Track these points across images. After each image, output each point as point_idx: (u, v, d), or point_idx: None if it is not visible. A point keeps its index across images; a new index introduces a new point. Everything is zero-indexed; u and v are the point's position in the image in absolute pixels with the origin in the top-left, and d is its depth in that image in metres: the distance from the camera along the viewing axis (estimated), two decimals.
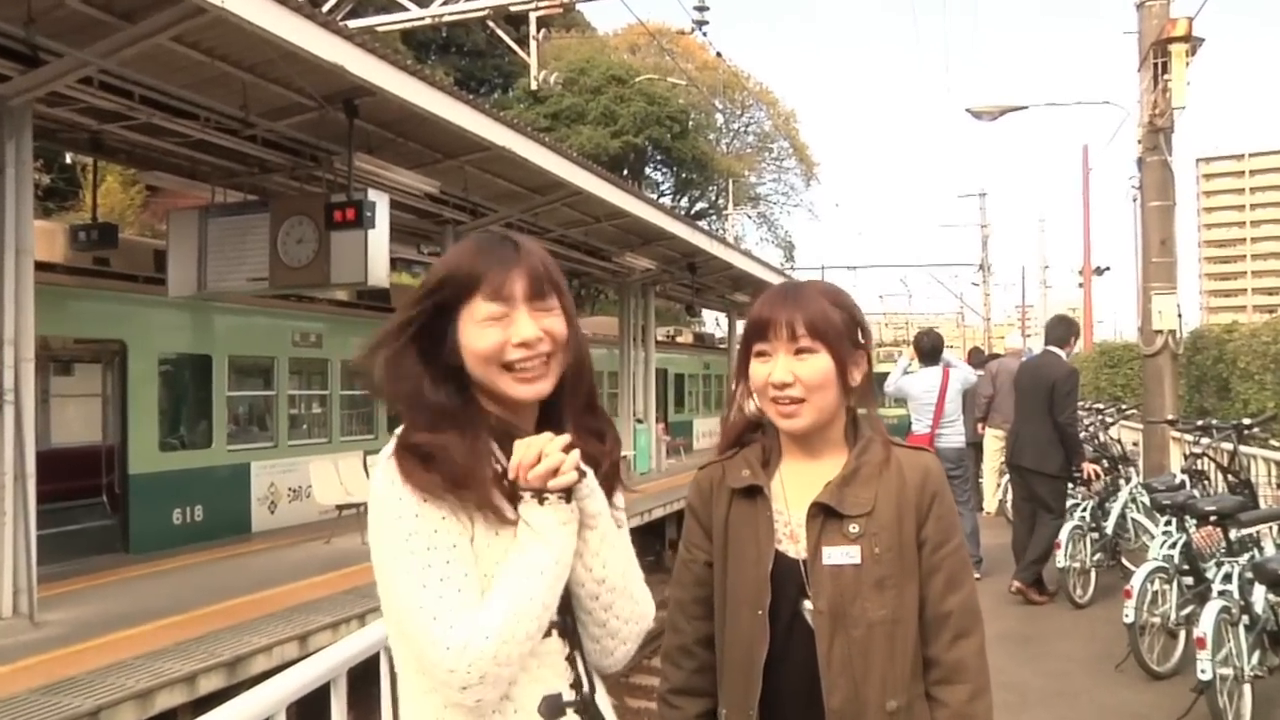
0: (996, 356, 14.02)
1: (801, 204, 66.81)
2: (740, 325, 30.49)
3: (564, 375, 1.67)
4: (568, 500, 1.57)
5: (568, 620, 1.63)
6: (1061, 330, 8.48)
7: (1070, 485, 8.45)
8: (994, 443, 12.36)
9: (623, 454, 1.81)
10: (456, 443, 1.56)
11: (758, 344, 1.95)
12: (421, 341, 1.63)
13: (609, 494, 1.69)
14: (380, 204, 10.66)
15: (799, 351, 1.91)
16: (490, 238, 1.69)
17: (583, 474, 1.58)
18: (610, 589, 1.63)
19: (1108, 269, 27.82)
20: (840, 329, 1.94)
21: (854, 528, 1.89)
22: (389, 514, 1.54)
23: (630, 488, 1.79)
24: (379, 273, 10.93)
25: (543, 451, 1.55)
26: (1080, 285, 28.20)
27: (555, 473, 1.55)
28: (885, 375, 9.13)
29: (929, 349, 9.19)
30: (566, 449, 1.57)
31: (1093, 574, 8.08)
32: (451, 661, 1.48)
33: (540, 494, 1.56)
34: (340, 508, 12.37)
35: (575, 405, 1.70)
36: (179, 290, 11.87)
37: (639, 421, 21.28)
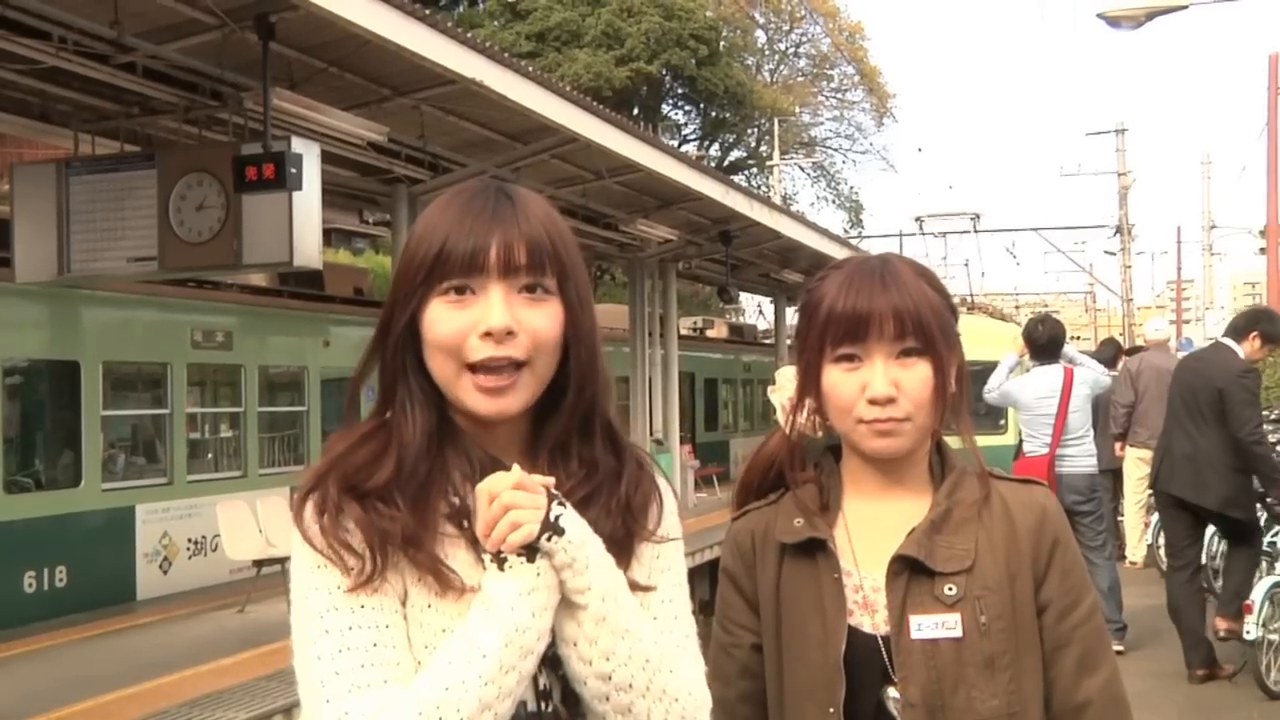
0: (1138, 350, 13.94)
1: (871, 150, 66.90)
2: (791, 313, 30.41)
3: (553, 385, 1.66)
4: (531, 559, 1.54)
5: (548, 709, 1.61)
6: (1243, 320, 8.42)
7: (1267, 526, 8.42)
8: (1138, 468, 12.28)
9: (661, 497, 1.77)
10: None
11: (846, 346, 1.94)
12: (416, 347, 1.65)
13: (615, 555, 1.64)
14: (309, 157, 10.62)
15: (902, 354, 1.92)
16: (478, 186, 1.69)
17: (556, 530, 1.54)
18: (623, 688, 1.58)
19: None
20: (946, 322, 1.97)
21: (950, 589, 1.90)
22: (292, 563, 1.61)
23: (656, 536, 1.74)
24: (308, 249, 10.89)
25: (505, 502, 1.53)
26: (1262, 251, 27.99)
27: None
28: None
29: (1046, 341, 9.15)
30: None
31: None
32: None
33: (499, 556, 1.54)
34: (259, 564, 12.35)
35: (566, 426, 1.68)
36: (32, 274, 11.79)
37: (658, 443, 21.25)
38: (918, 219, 38.23)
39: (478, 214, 1.62)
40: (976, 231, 35.32)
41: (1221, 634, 8.00)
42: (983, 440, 2.08)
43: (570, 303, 1.64)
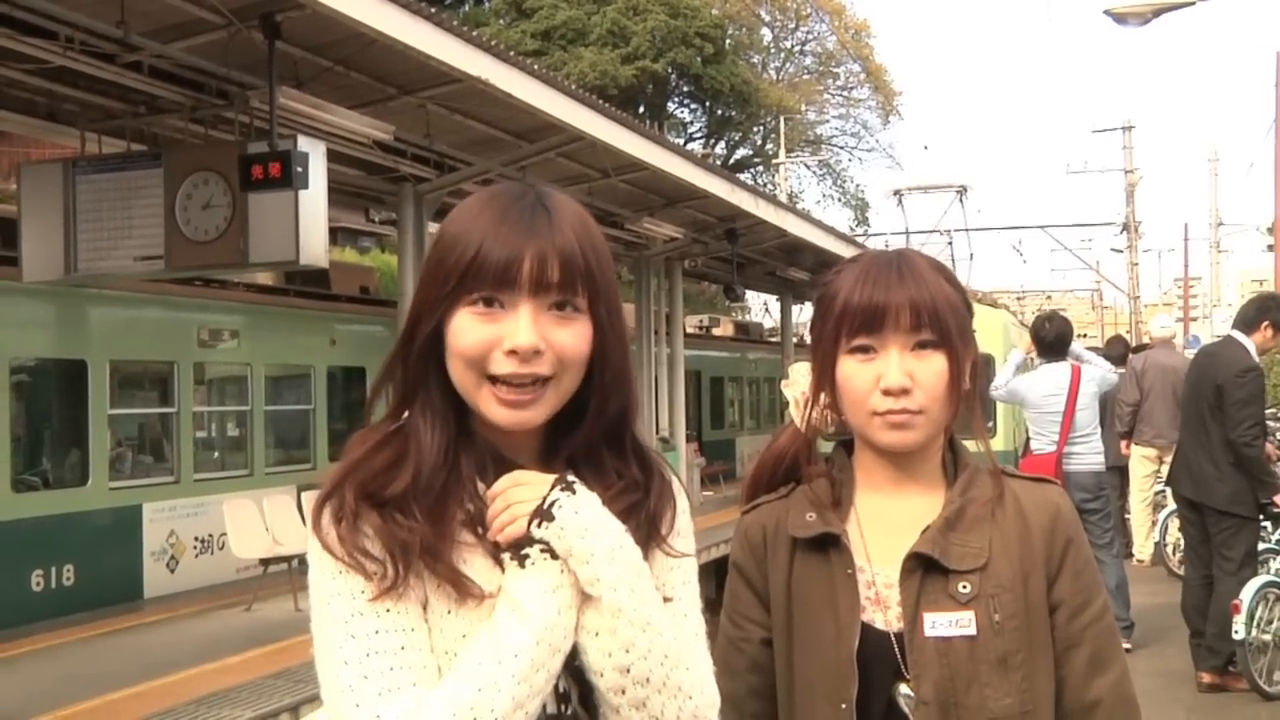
0: (1144, 348, 13.90)
1: (877, 148, 66.76)
2: (799, 311, 30.25)
3: (577, 397, 1.66)
4: (554, 555, 1.54)
5: (568, 711, 1.61)
6: (1253, 310, 8.20)
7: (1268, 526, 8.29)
8: (1144, 465, 12.26)
9: (675, 500, 1.76)
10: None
11: (861, 337, 1.94)
12: (439, 352, 1.64)
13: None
14: (315, 156, 10.62)
15: (918, 346, 1.92)
16: (510, 190, 1.65)
17: (547, 517, 1.54)
18: (640, 682, 1.57)
19: None
20: (962, 317, 1.97)
21: (964, 587, 1.90)
22: (312, 570, 1.59)
23: (671, 551, 1.73)
24: (314, 248, 10.89)
25: (505, 498, 1.56)
26: (1270, 248, 27.93)
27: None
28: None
29: (1053, 339, 9.13)
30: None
31: None
32: None
33: (520, 553, 1.55)
34: (266, 562, 12.36)
35: (583, 441, 1.67)
36: (39, 274, 11.80)
37: (664, 441, 21.25)
38: (896, 192, 33.78)
39: (514, 224, 1.58)
40: (967, 227, 33.80)
41: (1202, 685, 7.82)
42: (972, 445, 2.07)
43: (600, 321, 1.62)
